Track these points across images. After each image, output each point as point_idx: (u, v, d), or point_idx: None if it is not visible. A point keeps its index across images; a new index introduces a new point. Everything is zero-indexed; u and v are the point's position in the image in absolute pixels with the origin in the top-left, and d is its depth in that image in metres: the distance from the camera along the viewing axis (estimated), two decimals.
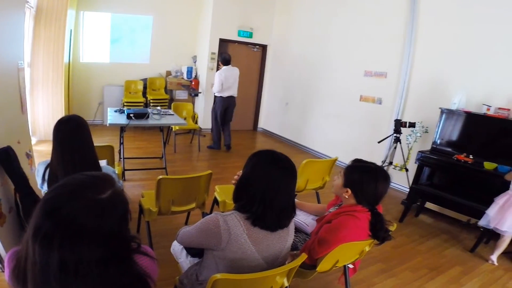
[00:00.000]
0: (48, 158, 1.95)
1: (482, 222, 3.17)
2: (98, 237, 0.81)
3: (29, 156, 2.95)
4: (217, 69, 6.81)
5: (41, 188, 1.96)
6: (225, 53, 6.04)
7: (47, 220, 0.77)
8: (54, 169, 1.82)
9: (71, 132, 1.80)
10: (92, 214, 0.80)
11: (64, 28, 5.22)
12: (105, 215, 0.83)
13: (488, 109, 3.76)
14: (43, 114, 5.35)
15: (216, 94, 5.92)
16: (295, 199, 1.58)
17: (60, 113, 5.37)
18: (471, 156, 3.69)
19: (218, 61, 5.91)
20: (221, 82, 5.70)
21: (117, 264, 0.85)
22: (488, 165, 3.47)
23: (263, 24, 7.48)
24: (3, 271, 2.15)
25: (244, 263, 1.42)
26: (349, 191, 1.88)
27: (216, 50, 7.07)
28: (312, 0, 6.61)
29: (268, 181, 1.40)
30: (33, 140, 4.88)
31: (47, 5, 4.98)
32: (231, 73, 5.81)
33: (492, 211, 3.11)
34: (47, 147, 4.95)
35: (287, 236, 1.52)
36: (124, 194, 0.92)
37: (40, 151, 4.65)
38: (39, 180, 1.93)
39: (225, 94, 5.83)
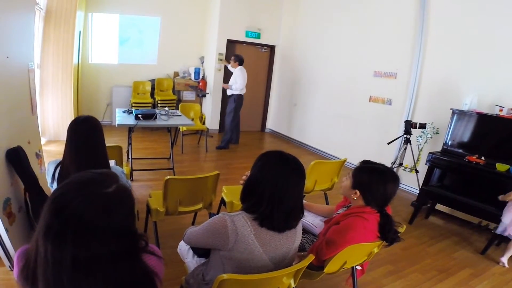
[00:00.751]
0: (57, 158, 1.96)
1: (498, 230, 3.13)
2: (108, 232, 0.81)
3: (38, 156, 2.99)
4: (225, 69, 6.86)
5: (51, 187, 1.98)
6: (238, 54, 6.17)
7: (56, 218, 0.78)
8: (66, 167, 1.84)
9: (87, 132, 1.83)
10: (99, 209, 0.81)
11: (73, 29, 5.29)
12: (112, 209, 0.83)
13: (501, 110, 3.70)
14: (52, 114, 5.42)
15: (237, 93, 6.04)
16: (303, 200, 1.57)
17: (70, 114, 5.44)
18: (483, 158, 3.63)
19: (234, 61, 5.99)
20: (245, 80, 5.97)
21: (127, 261, 0.86)
22: (501, 167, 3.41)
23: (271, 24, 7.46)
24: (12, 270, 2.17)
25: (251, 264, 1.41)
26: (358, 192, 1.86)
27: (223, 51, 7.07)
28: (320, 0, 6.58)
29: (276, 181, 1.39)
30: (43, 141, 4.95)
31: (56, 6, 5.05)
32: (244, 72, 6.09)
33: (507, 219, 3.06)
34: (57, 147, 5.01)
35: (295, 237, 1.51)
36: (129, 189, 0.93)
37: (49, 151, 4.71)
38: (49, 179, 1.95)
39: (242, 92, 6.10)
